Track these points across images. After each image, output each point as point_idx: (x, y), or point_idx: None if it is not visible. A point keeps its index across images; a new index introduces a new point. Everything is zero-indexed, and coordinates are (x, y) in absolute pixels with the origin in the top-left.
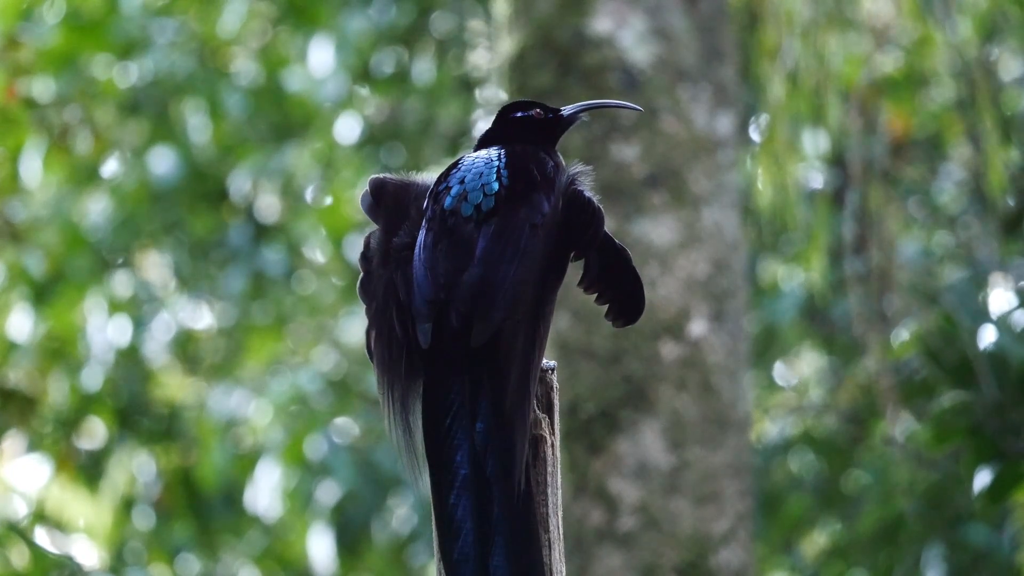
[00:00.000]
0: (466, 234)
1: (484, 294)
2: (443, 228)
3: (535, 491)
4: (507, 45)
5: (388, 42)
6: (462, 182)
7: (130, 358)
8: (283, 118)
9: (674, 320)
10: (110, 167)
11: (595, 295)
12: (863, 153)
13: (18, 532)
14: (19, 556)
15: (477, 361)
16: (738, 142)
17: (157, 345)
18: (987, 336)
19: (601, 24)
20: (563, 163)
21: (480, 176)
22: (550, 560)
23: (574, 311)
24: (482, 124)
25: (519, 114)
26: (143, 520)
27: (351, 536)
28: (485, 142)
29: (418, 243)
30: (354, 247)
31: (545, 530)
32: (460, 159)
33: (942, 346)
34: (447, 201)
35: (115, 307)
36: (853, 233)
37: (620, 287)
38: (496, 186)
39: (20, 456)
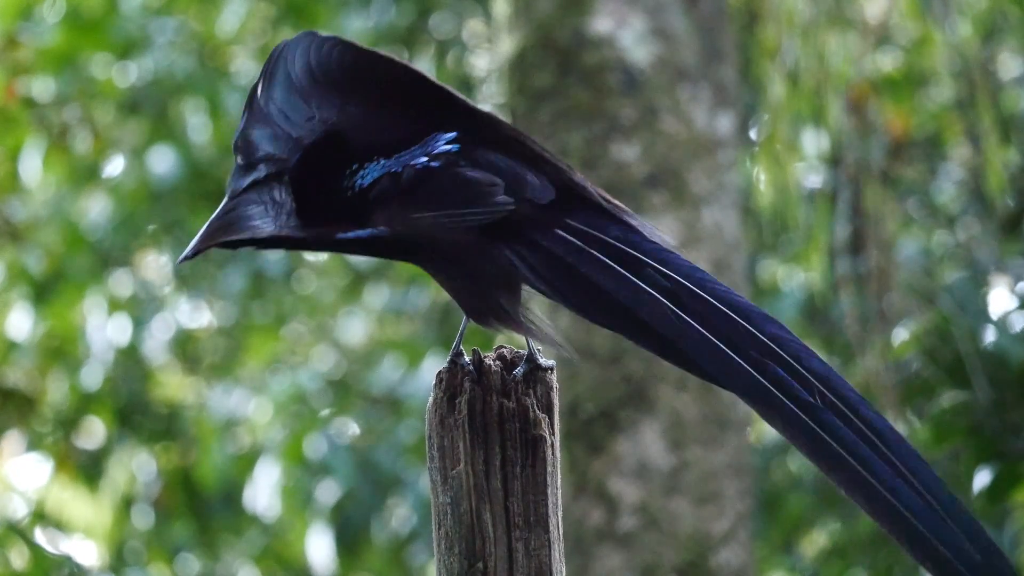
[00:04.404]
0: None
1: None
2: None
3: None
4: (507, 45)
5: (388, 42)
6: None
7: (130, 358)
8: None
9: None
10: (109, 167)
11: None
12: (860, 152)
13: (18, 532)
14: (19, 556)
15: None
16: (738, 142)
17: (157, 345)
18: (987, 336)
19: (601, 24)
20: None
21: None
22: (550, 560)
23: None
24: None
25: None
26: (143, 520)
27: (351, 536)
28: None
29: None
30: None
31: (545, 530)
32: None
33: (941, 346)
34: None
35: (115, 306)
36: (847, 233)
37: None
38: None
39: (20, 456)
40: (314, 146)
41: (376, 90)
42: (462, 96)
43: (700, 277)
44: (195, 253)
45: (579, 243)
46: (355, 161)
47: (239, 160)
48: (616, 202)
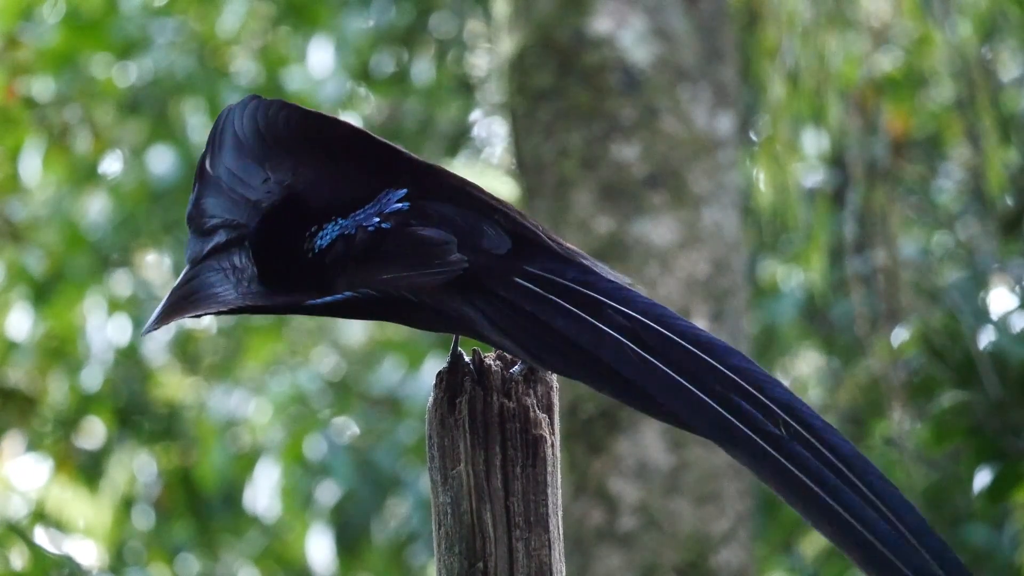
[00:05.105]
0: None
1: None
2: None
3: None
4: (507, 45)
5: (388, 42)
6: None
7: (130, 358)
8: None
9: None
10: (109, 166)
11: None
12: (864, 153)
13: (18, 532)
14: (19, 556)
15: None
16: (738, 142)
17: (157, 345)
18: (987, 336)
19: (601, 24)
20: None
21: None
22: (551, 560)
23: None
24: (481, 124)
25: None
26: (143, 520)
27: (351, 536)
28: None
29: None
30: None
31: (545, 530)
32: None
33: (945, 345)
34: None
35: (114, 306)
36: (854, 233)
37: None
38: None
39: (20, 456)
40: (273, 209)
41: (326, 150)
42: (407, 151)
43: (659, 313)
44: (159, 326)
45: (538, 290)
46: (313, 223)
47: (193, 230)
48: (569, 245)
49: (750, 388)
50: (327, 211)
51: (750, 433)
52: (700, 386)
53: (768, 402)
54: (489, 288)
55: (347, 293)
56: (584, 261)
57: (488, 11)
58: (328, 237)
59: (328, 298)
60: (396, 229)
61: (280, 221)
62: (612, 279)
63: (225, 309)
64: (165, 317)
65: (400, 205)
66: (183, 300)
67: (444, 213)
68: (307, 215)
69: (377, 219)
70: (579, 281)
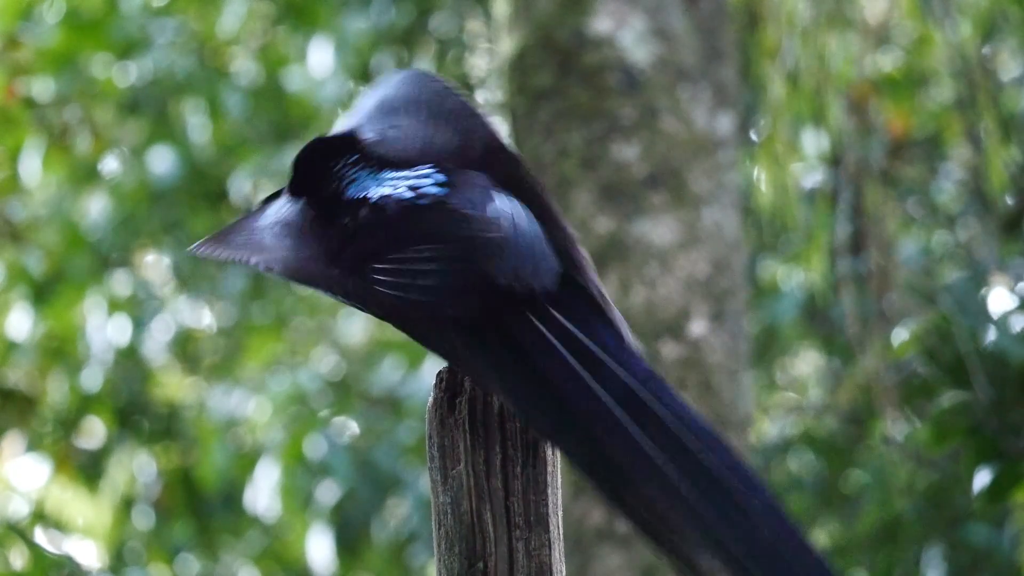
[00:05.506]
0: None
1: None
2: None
3: None
4: (507, 45)
5: (388, 43)
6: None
7: (130, 358)
8: (283, 118)
9: (674, 320)
10: (109, 166)
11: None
12: (860, 152)
13: (18, 532)
14: (19, 556)
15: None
16: (738, 142)
17: (157, 345)
18: (986, 336)
19: (601, 24)
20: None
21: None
22: (551, 560)
23: None
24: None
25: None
26: (143, 520)
27: (351, 536)
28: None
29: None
30: None
31: (545, 530)
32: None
33: (941, 346)
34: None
35: (114, 307)
36: (847, 233)
37: None
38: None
39: (19, 456)
40: (321, 142)
41: (432, 108)
42: (487, 116)
43: (658, 387)
44: (207, 256)
45: (559, 346)
46: (351, 155)
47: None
48: (604, 290)
49: (731, 487)
50: (368, 157)
51: (725, 532)
52: (685, 474)
53: (745, 502)
54: (509, 325)
55: (373, 311)
56: (613, 315)
57: (488, 11)
58: (354, 183)
59: (340, 298)
60: (432, 207)
61: (322, 157)
62: (629, 342)
63: (262, 267)
64: (212, 248)
65: (437, 191)
66: (234, 239)
67: (497, 208)
68: (360, 152)
69: (411, 193)
70: (605, 347)
